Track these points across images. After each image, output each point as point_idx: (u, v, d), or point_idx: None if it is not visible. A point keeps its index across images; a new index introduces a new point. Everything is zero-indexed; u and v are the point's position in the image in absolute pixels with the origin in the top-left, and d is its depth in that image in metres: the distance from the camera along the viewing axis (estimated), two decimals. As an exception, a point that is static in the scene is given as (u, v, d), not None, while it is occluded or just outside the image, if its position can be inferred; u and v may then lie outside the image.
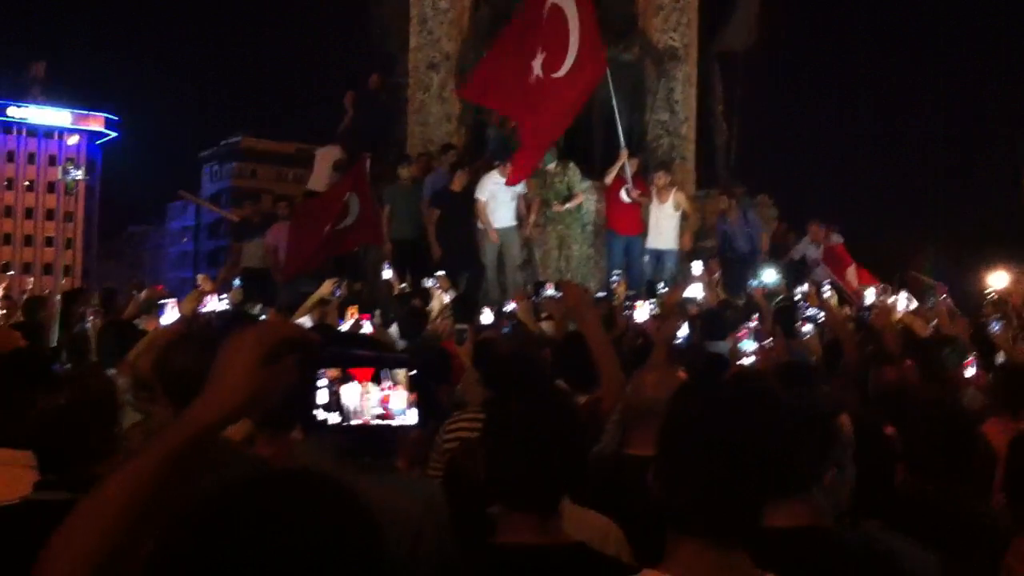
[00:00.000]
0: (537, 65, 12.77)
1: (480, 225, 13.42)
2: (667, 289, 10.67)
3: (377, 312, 9.73)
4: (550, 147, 13.70)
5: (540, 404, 2.69)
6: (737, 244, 14.36)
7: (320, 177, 16.00)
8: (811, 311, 9.60)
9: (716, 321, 8.97)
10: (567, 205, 13.84)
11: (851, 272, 14.29)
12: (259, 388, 1.57)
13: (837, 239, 14.96)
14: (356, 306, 9.04)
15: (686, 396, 2.33)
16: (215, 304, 8.10)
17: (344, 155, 15.68)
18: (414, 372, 1.75)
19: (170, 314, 7.47)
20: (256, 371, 1.56)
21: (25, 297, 12.14)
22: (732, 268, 13.44)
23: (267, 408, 1.61)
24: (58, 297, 9.18)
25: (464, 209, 13.62)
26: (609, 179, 13.85)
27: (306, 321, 8.47)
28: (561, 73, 12.70)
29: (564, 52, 12.67)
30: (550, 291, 6.31)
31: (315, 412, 1.71)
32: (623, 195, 13.76)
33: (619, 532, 3.16)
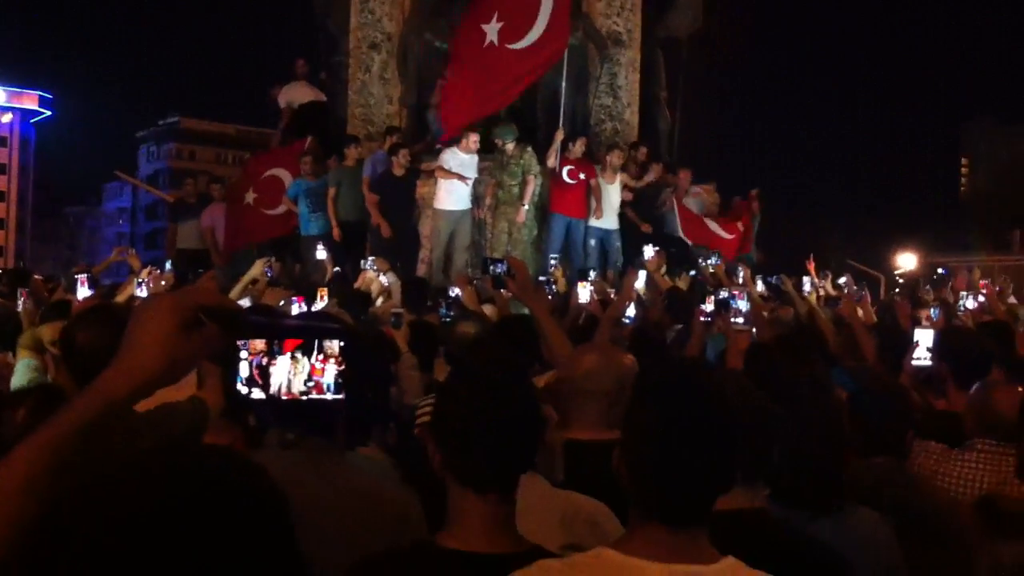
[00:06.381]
0: (492, 32, 12.77)
1: (430, 203, 13.32)
2: (596, 277, 10.62)
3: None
4: (491, 113, 13.73)
5: (499, 380, 2.47)
6: (671, 230, 14.39)
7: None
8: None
9: (680, 303, 8.68)
10: (524, 207, 13.64)
11: (710, 224, 14.65)
12: (175, 357, 1.47)
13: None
14: (326, 288, 9.40)
15: (652, 381, 2.30)
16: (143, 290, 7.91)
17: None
18: (345, 344, 1.64)
19: (81, 290, 7.35)
20: (172, 339, 1.46)
21: None
22: (668, 255, 13.45)
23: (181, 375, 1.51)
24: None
25: (405, 191, 13.49)
26: (551, 160, 13.78)
27: (243, 303, 8.29)
28: (520, 46, 12.73)
29: (527, 25, 12.73)
30: (501, 268, 6.16)
31: (238, 386, 1.60)
32: (565, 176, 13.71)
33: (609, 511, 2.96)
